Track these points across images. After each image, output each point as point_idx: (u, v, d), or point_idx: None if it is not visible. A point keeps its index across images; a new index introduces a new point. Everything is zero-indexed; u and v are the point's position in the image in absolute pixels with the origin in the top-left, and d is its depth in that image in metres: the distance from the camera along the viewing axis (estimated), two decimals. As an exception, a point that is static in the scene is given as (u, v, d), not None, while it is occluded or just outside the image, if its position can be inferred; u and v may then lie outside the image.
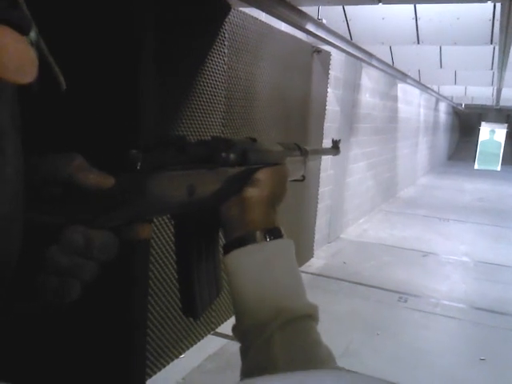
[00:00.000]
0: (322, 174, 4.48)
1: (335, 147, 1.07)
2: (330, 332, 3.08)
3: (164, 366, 2.38)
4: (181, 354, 2.49)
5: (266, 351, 0.53)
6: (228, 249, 0.59)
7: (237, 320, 0.58)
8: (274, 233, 0.61)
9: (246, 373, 0.56)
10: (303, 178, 0.86)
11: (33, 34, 0.25)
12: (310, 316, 0.57)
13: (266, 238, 0.60)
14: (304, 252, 4.39)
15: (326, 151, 1.13)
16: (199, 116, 2.35)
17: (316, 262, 4.46)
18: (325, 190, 4.65)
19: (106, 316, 0.73)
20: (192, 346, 2.56)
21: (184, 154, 0.54)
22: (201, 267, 0.63)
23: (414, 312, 3.56)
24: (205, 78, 2.39)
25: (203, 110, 2.39)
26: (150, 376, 2.28)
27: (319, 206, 4.54)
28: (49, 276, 0.39)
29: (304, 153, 0.83)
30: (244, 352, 0.56)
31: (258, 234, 0.60)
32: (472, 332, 3.33)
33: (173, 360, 2.44)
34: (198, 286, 0.63)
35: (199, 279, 0.63)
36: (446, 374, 2.69)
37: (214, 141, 0.61)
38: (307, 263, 4.38)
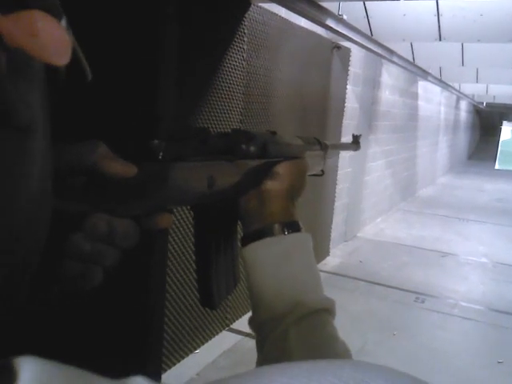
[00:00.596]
0: (340, 172, 4.45)
1: (355, 142, 1.06)
2: (345, 331, 3.05)
3: (179, 361, 2.39)
4: (195, 350, 2.50)
5: (281, 344, 0.53)
6: (246, 241, 0.60)
7: (253, 312, 0.58)
8: (293, 226, 0.61)
9: (262, 365, 0.55)
10: (322, 173, 0.86)
11: (63, 22, 0.26)
12: (326, 310, 0.57)
13: (284, 232, 0.60)
14: (320, 250, 4.37)
15: (346, 146, 1.12)
16: (217, 112, 2.35)
17: (332, 261, 4.43)
18: (342, 187, 4.61)
19: (123, 308, 0.73)
20: (207, 341, 2.57)
21: (205, 146, 0.54)
22: (219, 259, 0.64)
23: (432, 313, 3.51)
24: (224, 74, 2.38)
25: (221, 105, 2.39)
26: (165, 370, 2.30)
27: (336, 203, 4.51)
28: (72, 262, 0.39)
29: (324, 147, 0.83)
30: (260, 344, 0.57)
31: (277, 226, 0.60)
32: (490, 334, 3.28)
33: (187, 355, 2.45)
34: (216, 277, 0.63)
35: (217, 271, 0.63)
36: (463, 376, 2.65)
37: (235, 133, 0.61)
38: (323, 261, 4.36)
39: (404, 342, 3.01)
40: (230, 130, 0.62)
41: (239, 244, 0.63)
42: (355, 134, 1.06)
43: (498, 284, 4.23)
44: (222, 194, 0.57)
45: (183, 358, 2.42)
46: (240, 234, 0.63)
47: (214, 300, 0.63)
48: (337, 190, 4.46)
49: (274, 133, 0.68)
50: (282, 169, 0.65)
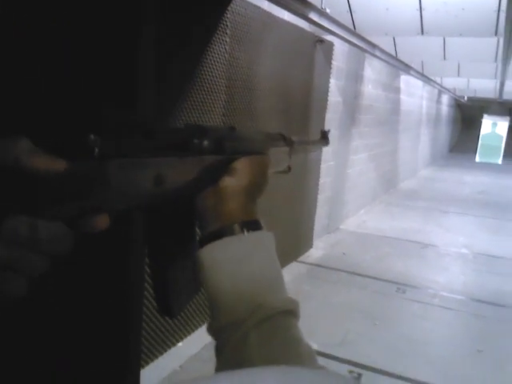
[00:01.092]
0: (323, 165, 4.47)
1: (324, 137, 1.05)
2: (327, 322, 3.12)
3: (161, 354, 2.39)
4: (178, 342, 2.50)
5: (241, 349, 0.51)
6: (204, 242, 0.56)
7: (211, 317, 0.55)
8: (253, 225, 0.58)
9: (220, 371, 0.53)
10: (289, 170, 0.82)
11: None
12: (289, 312, 0.54)
13: (243, 231, 0.57)
14: (303, 242, 4.40)
15: (313, 142, 1.10)
16: (199, 106, 2.34)
17: (315, 253, 4.47)
18: (325, 181, 4.64)
19: (100, 302, 0.72)
20: (190, 334, 2.58)
21: (152, 141, 0.50)
22: (176, 263, 0.60)
23: (413, 303, 3.57)
24: (206, 67, 2.37)
25: (204, 99, 2.38)
26: (148, 363, 2.29)
27: (319, 196, 4.53)
28: None
29: (289, 143, 0.80)
30: (219, 350, 0.53)
31: (236, 226, 0.57)
32: (470, 323, 3.35)
33: (170, 348, 2.45)
34: (174, 283, 0.59)
35: (175, 276, 0.59)
36: (444, 365, 2.70)
37: (186, 127, 0.58)
38: (306, 254, 4.39)
39: (385, 332, 3.06)
40: (182, 124, 0.59)
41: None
42: (323, 129, 1.05)
43: (478, 274, 4.32)
44: (174, 193, 0.53)
45: (166, 350, 2.42)
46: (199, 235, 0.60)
47: (172, 308, 0.59)
48: (320, 183, 4.48)
49: (232, 128, 0.65)
50: (240, 165, 0.61)
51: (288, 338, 0.53)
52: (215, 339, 0.54)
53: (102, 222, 0.44)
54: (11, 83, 0.67)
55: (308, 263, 4.18)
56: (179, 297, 0.60)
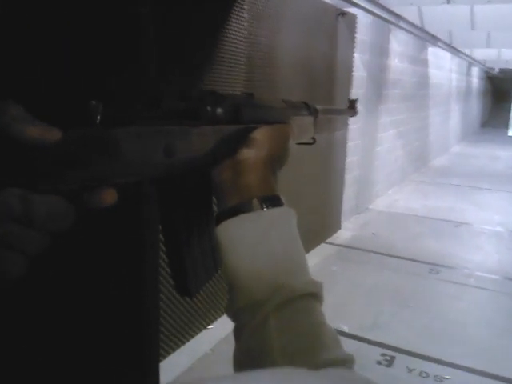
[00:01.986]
0: (350, 144, 4.36)
1: (352, 107, 0.98)
2: (358, 304, 3.05)
3: (192, 337, 2.38)
4: (209, 325, 2.48)
5: (260, 334, 0.47)
6: (220, 219, 0.52)
7: (230, 298, 0.52)
8: (273, 201, 0.54)
9: (238, 356, 0.50)
10: (314, 141, 0.76)
11: None
12: (312, 295, 0.51)
13: (262, 207, 0.52)
14: (331, 224, 4.32)
15: (341, 111, 1.03)
16: (219, 85, 2.27)
17: (344, 234, 4.38)
18: (353, 159, 4.53)
19: (112, 285, 0.68)
20: (220, 316, 2.55)
21: (161, 109, 0.45)
22: (193, 240, 0.56)
23: (447, 283, 3.46)
24: (223, 45, 2.29)
25: (223, 78, 2.31)
26: (179, 346, 2.29)
27: (347, 176, 4.43)
28: None
29: (313, 112, 0.74)
30: (238, 333, 0.50)
31: (255, 201, 0.52)
32: (506, 303, 3.22)
33: (201, 330, 2.44)
34: (191, 261, 0.55)
35: (191, 254, 0.55)
36: (479, 346, 2.61)
37: (199, 94, 0.52)
38: (335, 235, 4.31)
39: (419, 313, 2.97)
40: (195, 90, 0.54)
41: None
42: (351, 97, 0.98)
43: (514, 252, 4.16)
44: (187, 165, 0.49)
45: (197, 333, 2.41)
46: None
47: (190, 287, 0.56)
48: (347, 163, 4.38)
49: (250, 95, 0.59)
50: (259, 135, 0.57)
51: (310, 322, 0.49)
52: (234, 321, 0.52)
53: (108, 196, 0.41)
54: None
55: (337, 244, 4.11)
56: (197, 275, 0.57)
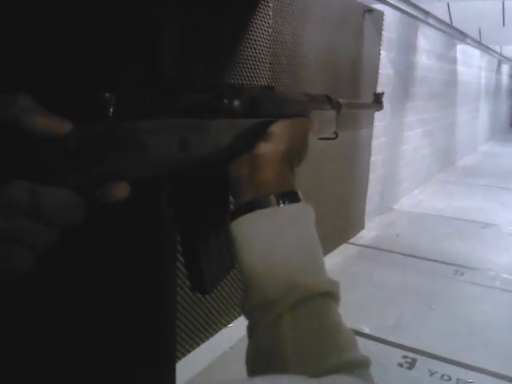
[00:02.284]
0: (375, 142, 4.30)
1: (377, 101, 0.96)
2: (380, 305, 3.01)
3: (212, 335, 2.40)
4: (229, 324, 2.49)
5: (273, 332, 0.46)
6: (236, 215, 0.51)
7: (244, 295, 0.51)
8: (290, 197, 0.52)
9: (251, 354, 0.49)
10: (336, 136, 0.74)
11: None
12: (328, 294, 0.49)
13: (279, 203, 0.51)
14: (354, 223, 4.28)
15: (366, 105, 1.01)
16: (242, 83, 2.27)
17: (367, 234, 4.33)
18: (377, 158, 4.47)
19: (127, 282, 0.68)
20: (240, 315, 2.57)
21: (176, 101, 0.44)
22: (209, 237, 0.55)
23: (472, 285, 3.39)
24: (248, 43, 2.29)
25: (247, 76, 2.31)
26: (199, 344, 2.31)
27: (371, 175, 4.38)
28: None
29: (336, 106, 0.72)
30: (251, 330, 0.49)
31: (272, 197, 0.51)
32: (534, 307, 3.14)
33: (221, 329, 2.45)
34: (206, 258, 0.55)
35: (207, 251, 0.55)
36: (504, 350, 2.55)
37: (215, 87, 0.51)
38: (358, 235, 4.27)
39: (442, 315, 2.92)
40: (211, 83, 0.53)
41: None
42: (376, 92, 0.96)
43: (543, 255, 4.05)
44: (203, 159, 0.48)
45: (217, 331, 2.43)
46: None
47: (205, 284, 0.55)
48: (371, 161, 4.32)
49: (270, 88, 0.58)
50: (277, 129, 0.55)
51: (325, 322, 0.48)
52: (248, 318, 0.51)
53: (121, 190, 0.40)
54: (10, 29, 0.61)
55: (359, 245, 4.07)
56: (212, 272, 0.56)
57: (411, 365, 2.39)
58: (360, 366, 0.46)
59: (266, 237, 0.50)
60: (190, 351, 2.26)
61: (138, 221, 0.69)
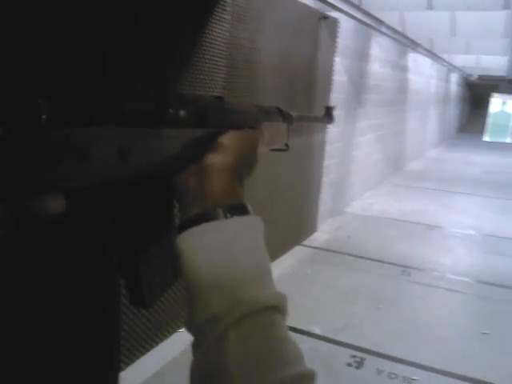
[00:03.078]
0: (328, 147, 4.39)
1: (328, 115, 0.98)
2: (331, 306, 3.09)
3: (162, 340, 2.37)
4: (179, 328, 2.48)
5: (219, 349, 0.45)
6: (182, 227, 0.50)
7: (189, 312, 0.50)
8: (239, 209, 0.52)
9: (195, 371, 0.48)
10: (287, 148, 0.75)
11: None
12: (275, 308, 0.49)
13: (227, 215, 0.50)
14: (307, 226, 4.35)
15: (316, 119, 1.03)
16: (198, 86, 2.27)
17: (320, 236, 4.42)
18: (330, 163, 4.57)
19: (66, 296, 0.67)
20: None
21: (117, 109, 0.43)
22: (149, 249, 0.54)
23: (418, 285, 3.53)
24: (205, 46, 2.29)
25: (203, 79, 2.30)
26: (148, 350, 2.28)
27: (324, 179, 4.47)
28: None
29: (287, 118, 0.73)
30: (196, 347, 0.48)
31: (219, 211, 0.50)
32: (476, 306, 3.31)
33: (171, 334, 2.43)
34: (146, 272, 0.53)
35: (147, 264, 0.53)
36: (447, 347, 2.68)
37: (162, 95, 0.50)
38: (311, 237, 4.35)
39: (389, 315, 3.03)
40: (157, 91, 0.52)
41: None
42: (328, 105, 0.98)
43: (485, 256, 4.26)
44: (145, 169, 0.46)
45: (166, 337, 2.41)
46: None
47: (144, 298, 0.54)
48: (325, 166, 4.41)
49: (219, 98, 0.57)
50: (227, 140, 0.55)
51: (271, 336, 0.47)
52: (193, 335, 0.50)
53: (56, 203, 0.38)
54: None
55: (312, 247, 4.14)
56: (153, 286, 0.55)
57: (360, 364, 2.46)
58: (305, 379, 0.47)
59: (213, 251, 0.49)
60: (138, 357, 2.22)
61: (76, 232, 0.68)
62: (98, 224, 0.69)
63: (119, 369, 0.92)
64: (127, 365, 2.11)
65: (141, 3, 1.69)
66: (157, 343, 2.34)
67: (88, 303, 0.70)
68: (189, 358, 0.49)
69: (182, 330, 2.48)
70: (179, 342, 2.39)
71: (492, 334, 2.84)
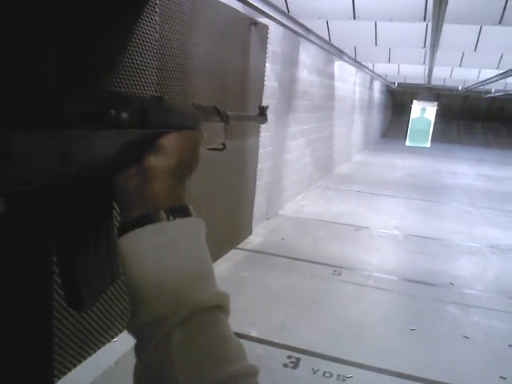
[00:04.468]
0: (261, 151, 4.44)
1: (262, 114, 1.00)
2: (266, 308, 3.12)
3: (95, 351, 2.28)
4: (113, 338, 2.39)
5: (163, 350, 0.45)
6: (124, 230, 0.50)
7: (132, 313, 0.49)
8: (181, 211, 0.52)
9: (139, 375, 0.47)
10: (223, 147, 0.75)
11: None
12: (218, 307, 0.50)
13: (169, 218, 0.50)
14: (243, 229, 4.37)
15: (251, 118, 1.04)
16: (127, 85, 2.21)
17: (255, 239, 4.46)
18: (263, 166, 4.62)
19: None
20: (125, 329, 2.48)
21: (59, 112, 0.42)
22: (88, 250, 0.53)
23: (348, 284, 3.65)
24: (134, 47, 2.24)
25: (133, 81, 2.25)
26: (81, 361, 2.18)
27: (258, 183, 4.51)
28: None
29: (224, 118, 0.74)
30: (139, 349, 0.47)
31: (161, 213, 0.50)
32: (403, 303, 3.47)
33: (104, 344, 2.34)
34: (85, 273, 0.52)
35: (86, 265, 0.52)
36: (378, 344, 2.79)
37: (102, 96, 0.49)
38: (246, 240, 4.37)
39: (322, 314, 3.11)
40: (99, 92, 0.51)
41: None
42: (261, 105, 1.00)
43: (409, 255, 4.50)
44: (86, 171, 0.46)
45: (100, 347, 2.31)
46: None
47: (82, 300, 0.53)
48: (258, 169, 4.46)
49: (159, 98, 0.57)
50: (168, 141, 0.55)
51: (215, 336, 0.48)
52: (135, 338, 0.49)
53: None
54: None
55: (247, 250, 4.17)
56: (91, 288, 0.54)
57: (295, 364, 2.50)
58: (248, 376, 0.47)
59: (156, 252, 0.49)
60: (70, 369, 2.12)
61: (11, 234, 0.64)
62: (34, 224, 0.66)
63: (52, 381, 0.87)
64: (58, 378, 2.00)
65: (69, 2, 1.62)
66: (89, 354, 2.25)
67: (19, 304, 0.66)
68: (124, 367, 0.48)
69: (116, 339, 2.39)
70: (113, 352, 2.31)
71: (418, 330, 3.00)
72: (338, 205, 6.22)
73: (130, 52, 2.21)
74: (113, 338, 2.38)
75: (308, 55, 5.67)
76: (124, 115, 0.49)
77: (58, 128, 0.41)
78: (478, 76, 8.59)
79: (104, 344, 2.33)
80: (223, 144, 0.76)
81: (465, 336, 2.97)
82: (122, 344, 2.32)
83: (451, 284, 3.82)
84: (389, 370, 2.54)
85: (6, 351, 0.64)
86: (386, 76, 11.36)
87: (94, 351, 2.28)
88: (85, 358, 2.21)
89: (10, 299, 0.63)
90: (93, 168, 0.47)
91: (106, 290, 0.56)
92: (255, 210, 4.56)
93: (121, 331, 2.43)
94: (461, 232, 5.39)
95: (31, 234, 0.63)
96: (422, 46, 5.19)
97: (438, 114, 15.35)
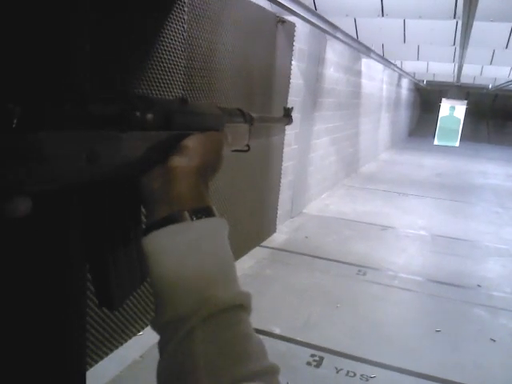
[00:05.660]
0: (286, 149, 4.44)
1: (287, 115, 1.00)
2: (290, 306, 3.12)
3: (121, 344, 2.33)
4: (139, 332, 2.44)
5: (185, 347, 0.46)
6: (149, 230, 0.51)
7: (156, 311, 0.51)
8: (204, 212, 0.53)
9: (162, 371, 0.49)
10: (248, 149, 0.76)
11: None
12: (240, 306, 0.50)
13: (192, 218, 0.51)
14: (267, 227, 4.38)
15: (276, 119, 1.05)
16: (157, 86, 2.24)
17: (278, 237, 4.46)
18: (288, 165, 4.62)
19: (31, 301, 0.65)
20: (151, 322, 2.52)
21: (86, 113, 0.43)
22: (118, 250, 0.54)
23: (373, 285, 3.62)
24: (162, 46, 2.27)
25: (161, 79, 2.28)
26: (107, 354, 2.23)
27: (282, 181, 4.51)
28: None
29: (249, 119, 0.74)
30: (162, 347, 0.49)
31: (185, 213, 0.51)
32: (428, 304, 3.43)
33: (131, 338, 2.39)
34: (115, 272, 0.54)
35: (116, 264, 0.54)
36: (402, 345, 2.76)
37: (128, 98, 0.50)
38: (270, 238, 4.38)
39: (346, 314, 3.09)
40: (124, 94, 0.52)
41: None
42: (287, 106, 1.00)
43: (436, 255, 4.43)
44: (113, 172, 0.47)
45: (126, 340, 2.36)
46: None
47: (112, 299, 0.54)
48: (283, 168, 4.46)
49: (184, 100, 0.58)
50: (192, 142, 0.56)
51: (237, 334, 0.49)
52: (159, 335, 0.50)
53: (23, 206, 0.38)
54: None
55: (271, 248, 4.17)
56: (121, 287, 0.55)
57: (319, 363, 2.50)
58: (269, 374, 0.48)
59: (179, 252, 0.50)
60: (98, 361, 2.17)
61: (42, 235, 0.66)
62: (65, 226, 0.68)
63: (85, 370, 0.90)
64: (86, 369, 2.05)
65: (99, 3, 1.65)
66: (116, 347, 2.29)
67: (53, 305, 0.68)
68: (149, 360, 0.49)
69: (142, 333, 2.44)
70: (139, 346, 2.35)
71: (444, 332, 2.95)
72: (363, 204, 6.16)
73: (159, 51, 2.24)
74: (139, 331, 2.43)
75: (334, 52, 5.62)
76: (149, 117, 0.50)
77: (86, 129, 0.43)
78: (509, 74, 8.37)
79: (130, 337, 2.38)
80: (247, 146, 0.77)
81: (492, 339, 2.92)
82: (148, 338, 2.36)
83: (478, 286, 3.75)
84: (413, 371, 2.51)
85: (46, 346, 0.67)
86: (415, 74, 11.18)
87: (121, 344, 2.32)
88: (111, 351, 2.26)
89: (47, 299, 0.67)
90: (119, 168, 0.48)
91: (135, 289, 0.58)
92: (279, 208, 4.56)
93: (147, 325, 2.47)
94: (489, 233, 5.27)
95: (63, 233, 0.65)
96: (452, 43, 5.09)
97: (468, 113, 15.02)
